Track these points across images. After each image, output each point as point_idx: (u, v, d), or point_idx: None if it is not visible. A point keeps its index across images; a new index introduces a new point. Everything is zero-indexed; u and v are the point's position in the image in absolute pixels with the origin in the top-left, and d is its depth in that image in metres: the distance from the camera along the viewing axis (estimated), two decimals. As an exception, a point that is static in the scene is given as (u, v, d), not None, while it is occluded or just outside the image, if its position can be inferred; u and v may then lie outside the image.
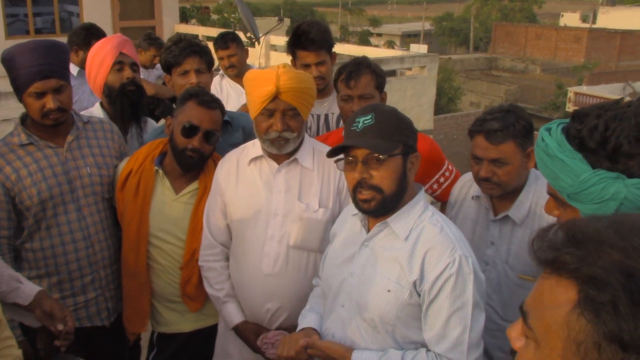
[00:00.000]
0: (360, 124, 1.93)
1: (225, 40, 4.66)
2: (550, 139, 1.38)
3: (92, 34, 4.29)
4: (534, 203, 2.34)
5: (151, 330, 2.92)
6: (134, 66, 3.15)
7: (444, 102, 25.47)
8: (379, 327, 1.97)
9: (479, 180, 2.33)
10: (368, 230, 2.05)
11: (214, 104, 2.67)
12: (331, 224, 2.48)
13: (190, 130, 2.59)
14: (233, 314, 2.56)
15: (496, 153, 2.26)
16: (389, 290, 1.93)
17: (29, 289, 2.32)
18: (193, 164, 2.66)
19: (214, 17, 27.56)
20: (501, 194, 2.35)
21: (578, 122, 1.35)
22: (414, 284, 1.90)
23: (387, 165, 1.91)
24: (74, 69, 4.32)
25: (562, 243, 0.92)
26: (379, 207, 1.94)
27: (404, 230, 1.96)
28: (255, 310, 2.52)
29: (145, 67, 5.94)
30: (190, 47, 3.09)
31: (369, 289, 1.98)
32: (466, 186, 2.59)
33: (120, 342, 2.94)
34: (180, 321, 2.81)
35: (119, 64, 3.09)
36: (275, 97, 2.33)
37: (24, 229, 2.61)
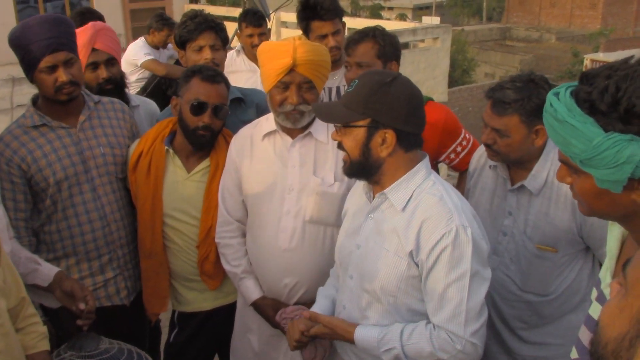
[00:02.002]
0: (348, 89, 1.98)
1: (258, 18, 4.56)
2: (558, 103, 1.32)
3: (87, 18, 4.00)
4: (551, 172, 2.29)
5: (172, 310, 2.93)
6: (111, 61, 3.01)
7: (458, 74, 25.20)
8: (381, 299, 1.98)
9: (483, 144, 2.33)
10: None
11: (219, 77, 2.64)
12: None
13: (199, 108, 2.57)
14: (251, 290, 2.56)
15: (498, 123, 2.23)
16: (387, 262, 1.94)
17: (47, 270, 2.34)
18: (206, 142, 2.64)
19: (224, -4, 27.35)
20: (503, 162, 2.34)
21: (587, 85, 1.29)
22: (411, 254, 1.90)
23: (349, 133, 1.96)
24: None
25: None
26: (348, 170, 2.03)
27: (401, 201, 1.95)
28: (273, 285, 2.52)
29: (157, 47, 5.90)
30: (206, 22, 3.04)
31: (371, 261, 2.00)
32: (485, 155, 2.55)
33: (141, 322, 2.96)
34: (199, 300, 2.82)
35: (92, 65, 2.96)
36: (292, 69, 2.30)
37: (41, 211, 2.62)
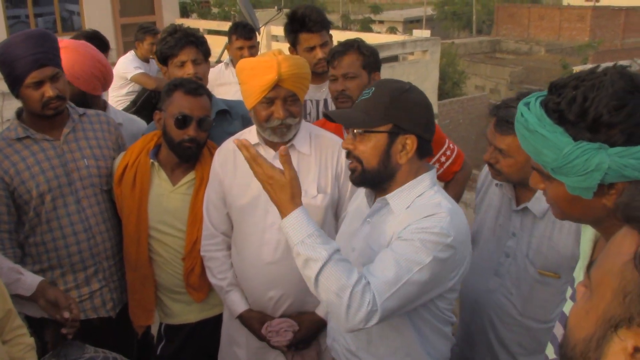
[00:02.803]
0: (362, 97, 1.97)
1: (249, 31, 4.59)
2: (529, 114, 1.35)
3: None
4: None
5: (159, 322, 2.93)
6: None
7: (449, 87, 25.29)
8: None
9: (486, 163, 2.30)
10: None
11: (201, 90, 2.65)
12: (331, 210, 2.48)
13: (183, 121, 2.58)
14: (237, 303, 2.56)
15: (499, 142, 2.20)
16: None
17: (30, 280, 2.34)
18: (192, 154, 2.65)
19: (215, 10, 27.50)
20: (506, 182, 2.29)
21: (556, 95, 1.32)
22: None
23: (367, 139, 1.93)
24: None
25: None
26: (359, 178, 1.97)
27: (400, 207, 1.94)
28: (258, 298, 2.52)
29: (147, 60, 5.89)
30: (186, 37, 3.06)
31: (364, 263, 1.97)
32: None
33: (127, 334, 2.95)
34: (186, 312, 2.82)
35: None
36: (276, 85, 2.30)
37: (25, 223, 2.61)
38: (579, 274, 1.49)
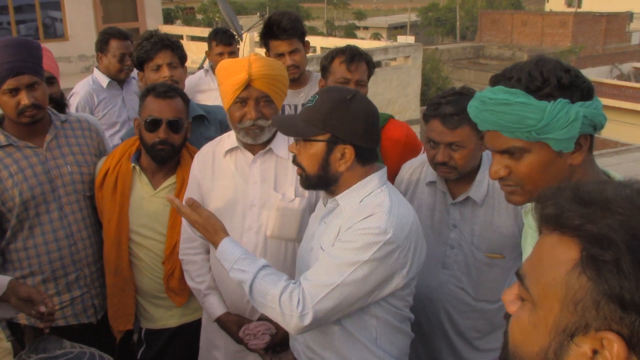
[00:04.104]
0: (307, 104, 2.04)
1: (229, 37, 4.62)
2: (498, 93, 1.49)
3: (109, 33, 4.16)
4: (490, 182, 2.36)
5: (139, 327, 2.93)
6: (50, 80, 3.00)
7: (433, 93, 25.39)
8: None
9: (435, 164, 2.35)
10: None
11: (172, 92, 2.68)
12: (308, 213, 2.51)
13: (152, 124, 2.62)
14: (215, 306, 2.58)
15: (452, 137, 2.27)
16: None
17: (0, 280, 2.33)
18: (165, 156, 2.67)
19: (199, 17, 27.49)
20: (457, 177, 2.37)
21: (506, 79, 1.51)
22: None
23: (308, 147, 2.01)
24: (103, 80, 4.16)
25: (567, 202, 0.92)
26: (304, 183, 2.08)
27: (350, 207, 2.01)
28: (236, 301, 2.54)
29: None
30: (161, 41, 3.09)
31: (314, 263, 2.06)
32: (416, 172, 2.60)
33: (108, 340, 2.95)
34: (166, 316, 2.83)
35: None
36: (248, 85, 2.35)
37: (7, 230, 2.62)
38: None
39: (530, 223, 1.70)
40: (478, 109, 1.55)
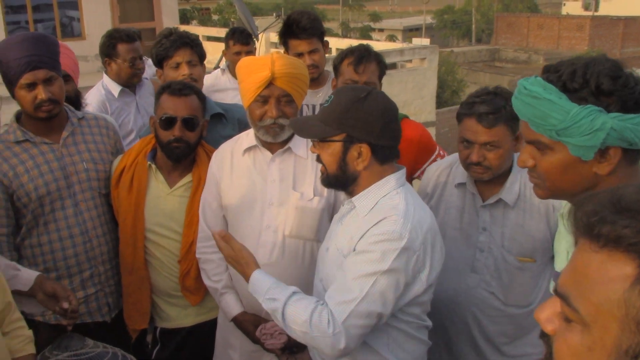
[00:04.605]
0: (323, 104, 2.02)
1: (246, 36, 4.57)
2: (533, 85, 1.46)
3: (115, 37, 3.84)
4: (522, 185, 2.33)
5: (154, 326, 2.92)
6: (65, 78, 2.94)
7: (448, 95, 25.34)
8: None
9: (468, 164, 2.31)
10: None
11: (187, 90, 2.66)
12: (327, 213, 2.49)
13: (167, 122, 2.60)
14: (231, 305, 2.56)
15: (487, 136, 2.23)
16: (338, 264, 1.99)
17: (27, 275, 2.36)
18: (181, 154, 2.65)
19: (215, 17, 27.60)
20: (490, 178, 2.32)
21: (553, 72, 1.46)
22: (354, 249, 1.94)
23: (326, 147, 2.00)
24: (114, 88, 3.84)
25: (613, 214, 0.85)
26: (325, 181, 2.08)
27: (364, 209, 1.99)
28: (253, 301, 2.48)
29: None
30: (181, 39, 3.07)
31: (330, 264, 2.05)
32: (444, 174, 2.56)
33: (123, 339, 2.94)
34: (181, 316, 2.82)
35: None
36: (270, 83, 2.33)
37: (22, 225, 2.62)
38: (561, 268, 1.54)
39: (563, 229, 1.66)
40: (514, 96, 1.53)
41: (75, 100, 3.10)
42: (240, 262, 2.09)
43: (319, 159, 2.05)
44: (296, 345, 2.48)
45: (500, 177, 2.34)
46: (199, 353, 2.86)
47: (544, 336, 0.95)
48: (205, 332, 2.81)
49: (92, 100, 3.77)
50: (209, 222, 2.60)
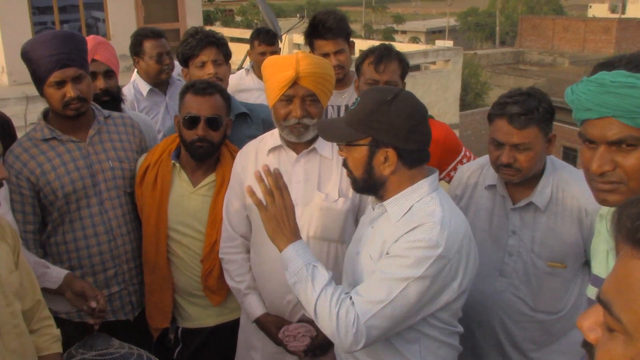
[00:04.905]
0: (351, 106, 1.97)
1: (271, 36, 4.57)
2: (620, 77, 1.40)
3: (141, 35, 3.87)
4: (554, 188, 2.28)
5: (175, 326, 2.92)
6: (109, 73, 3.05)
7: (471, 98, 25.18)
8: None
9: (499, 166, 2.26)
10: None
11: (211, 89, 2.65)
12: (352, 214, 2.46)
13: (191, 121, 2.60)
14: (254, 307, 2.54)
15: (518, 138, 2.18)
16: (369, 270, 1.94)
17: (56, 273, 2.39)
18: (204, 153, 2.65)
19: (238, 18, 27.74)
20: (521, 180, 2.27)
21: (623, 65, 1.43)
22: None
23: (352, 150, 1.95)
24: (143, 87, 3.85)
25: None
26: (353, 186, 2.03)
27: (397, 214, 1.93)
28: (276, 302, 2.50)
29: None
30: (206, 38, 3.06)
31: (360, 269, 2.01)
32: (475, 175, 2.51)
33: (145, 338, 2.94)
34: (203, 316, 2.81)
35: (91, 74, 2.88)
36: (295, 82, 2.31)
37: (48, 223, 2.63)
38: (599, 271, 1.48)
39: (603, 230, 1.60)
40: (593, 92, 1.44)
41: (117, 96, 3.12)
42: (284, 224, 1.99)
43: (345, 164, 2.01)
44: (319, 348, 2.46)
45: (532, 180, 2.29)
46: (220, 354, 2.84)
47: (587, 345, 0.91)
48: (227, 333, 2.80)
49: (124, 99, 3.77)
50: (233, 223, 2.59)
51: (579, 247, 2.24)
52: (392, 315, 1.82)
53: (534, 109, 2.16)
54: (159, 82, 3.88)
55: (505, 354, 2.41)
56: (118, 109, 3.08)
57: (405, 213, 1.92)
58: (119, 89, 3.16)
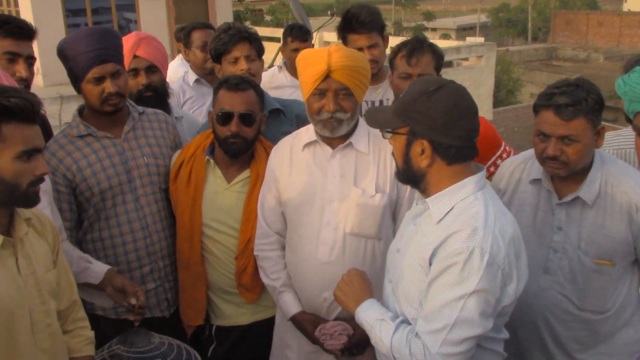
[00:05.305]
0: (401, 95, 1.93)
1: (304, 32, 4.52)
2: None
3: (191, 26, 4.09)
4: (603, 182, 2.20)
5: (209, 324, 2.90)
6: (151, 69, 3.05)
7: (503, 95, 24.83)
8: (404, 309, 1.92)
9: (545, 159, 2.18)
10: None
11: (244, 85, 2.62)
12: (389, 210, 2.41)
13: (224, 118, 2.58)
14: (290, 304, 2.52)
15: (566, 130, 2.10)
16: (412, 270, 1.88)
17: (98, 268, 2.42)
18: (237, 149, 2.62)
19: (268, 18, 27.85)
20: (567, 174, 2.19)
21: None
22: (430, 263, 1.82)
23: (395, 139, 1.93)
24: (191, 77, 4.01)
25: None
26: (396, 175, 2.00)
27: (439, 212, 1.86)
28: (312, 299, 2.46)
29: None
30: (239, 33, 3.03)
31: (402, 267, 1.95)
32: (518, 170, 2.43)
33: (179, 335, 2.93)
34: (237, 314, 2.79)
35: (133, 71, 2.99)
36: (327, 76, 2.27)
37: (84, 220, 2.64)
38: None
39: None
40: None
41: (162, 91, 3.11)
42: (354, 290, 2.06)
43: (393, 152, 1.98)
44: (356, 347, 2.42)
45: (579, 174, 2.21)
46: (255, 352, 2.82)
47: None
48: (262, 331, 2.78)
49: (173, 86, 3.92)
50: (268, 219, 2.57)
51: (629, 244, 2.16)
52: (461, 339, 1.76)
53: (582, 100, 2.08)
54: (207, 73, 3.98)
55: (549, 354, 2.34)
56: (164, 104, 3.08)
57: (447, 213, 1.85)
58: (164, 84, 3.14)
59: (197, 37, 4.05)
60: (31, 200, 1.83)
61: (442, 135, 1.82)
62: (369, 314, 1.96)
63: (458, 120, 1.83)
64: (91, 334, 2.19)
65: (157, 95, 3.04)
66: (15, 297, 1.79)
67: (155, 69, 3.06)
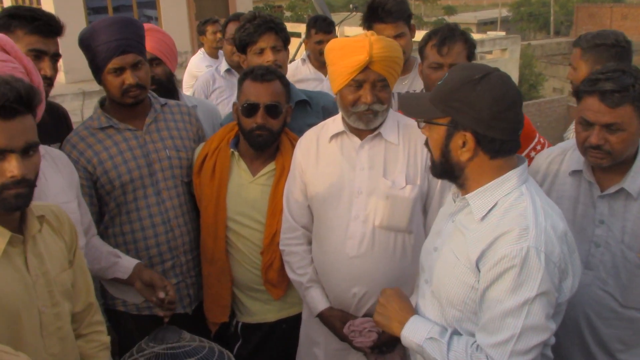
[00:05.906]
0: (440, 82, 1.82)
1: (328, 24, 4.48)
2: None
3: (229, 18, 4.23)
4: None
5: (235, 321, 2.84)
6: (155, 61, 2.98)
7: (525, 89, 24.55)
8: (446, 311, 1.82)
9: (587, 148, 2.07)
10: None
11: (270, 76, 2.55)
12: (419, 202, 2.34)
13: (250, 109, 2.52)
14: (317, 300, 2.45)
15: (611, 117, 1.99)
16: (456, 272, 1.77)
17: (127, 262, 2.41)
18: (263, 142, 2.56)
19: (287, 14, 27.83)
20: (610, 164, 2.08)
21: None
22: (477, 266, 1.71)
23: (431, 130, 1.81)
24: (223, 67, 4.13)
25: None
26: (432, 170, 1.89)
27: (481, 209, 1.75)
28: (340, 295, 2.40)
29: (215, 55, 5.79)
30: (265, 23, 2.96)
31: (442, 267, 1.83)
32: (556, 161, 2.32)
33: (203, 332, 2.88)
34: (263, 311, 2.73)
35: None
36: (366, 67, 2.19)
37: (105, 213, 2.60)
38: None
39: None
40: None
41: (168, 84, 3.06)
42: (394, 311, 1.93)
43: (426, 143, 1.86)
44: (386, 344, 2.35)
45: (623, 165, 2.09)
46: (282, 350, 2.77)
47: None
48: (289, 328, 2.73)
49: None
50: (294, 213, 2.51)
51: None
52: (528, 347, 1.66)
53: (629, 86, 1.96)
54: (236, 66, 4.08)
55: (589, 353, 2.24)
56: (170, 96, 3.02)
57: (491, 209, 1.74)
58: (169, 77, 3.09)
59: (231, 27, 4.12)
60: (7, 205, 1.62)
61: (488, 127, 1.71)
62: (415, 335, 1.84)
63: (506, 112, 1.71)
64: (107, 339, 2.09)
65: (160, 87, 2.96)
66: (22, 297, 1.69)
67: (159, 62, 3.01)
